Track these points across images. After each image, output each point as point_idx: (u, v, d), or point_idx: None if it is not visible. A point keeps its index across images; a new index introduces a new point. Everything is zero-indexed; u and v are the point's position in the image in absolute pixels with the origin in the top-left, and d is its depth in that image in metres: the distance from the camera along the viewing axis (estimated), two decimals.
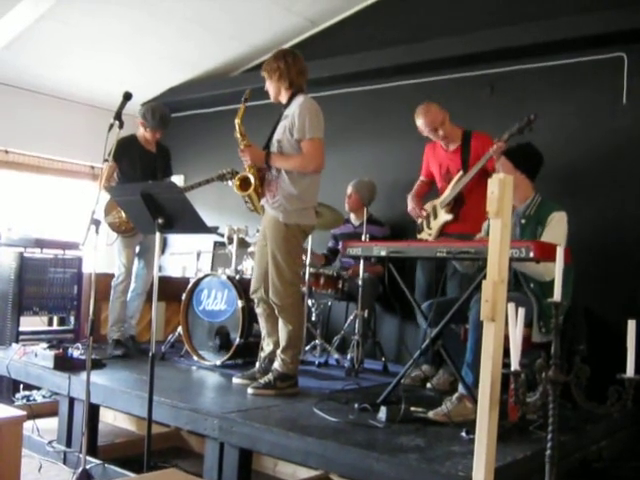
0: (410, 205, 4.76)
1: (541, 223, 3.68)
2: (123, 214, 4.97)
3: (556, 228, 3.63)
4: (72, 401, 4.29)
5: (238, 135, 4.10)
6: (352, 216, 5.75)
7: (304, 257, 4.82)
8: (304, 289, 4.89)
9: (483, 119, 5.02)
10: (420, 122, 4.67)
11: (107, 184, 4.98)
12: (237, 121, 4.12)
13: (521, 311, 2.20)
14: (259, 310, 4.22)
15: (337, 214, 5.28)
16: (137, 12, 5.81)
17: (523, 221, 3.76)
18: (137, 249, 5.32)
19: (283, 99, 4.12)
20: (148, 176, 5.07)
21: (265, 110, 4.38)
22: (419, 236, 4.73)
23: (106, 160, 3.80)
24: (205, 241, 6.31)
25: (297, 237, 4.05)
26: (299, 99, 4.02)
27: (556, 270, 2.21)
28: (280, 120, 4.10)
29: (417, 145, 5.14)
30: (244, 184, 4.10)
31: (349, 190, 5.60)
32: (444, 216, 4.54)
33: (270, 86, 4.13)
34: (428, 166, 4.88)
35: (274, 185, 4.04)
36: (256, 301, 4.23)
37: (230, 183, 4.96)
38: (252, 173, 4.08)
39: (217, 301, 4.94)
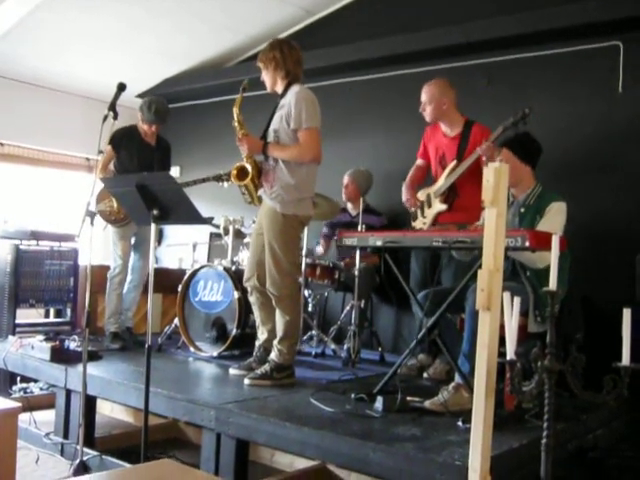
0: (404, 196, 4.74)
1: (540, 212, 3.67)
2: (115, 203, 4.96)
3: (553, 218, 3.62)
4: (69, 393, 4.29)
5: (236, 124, 4.10)
6: (349, 205, 5.74)
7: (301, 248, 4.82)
8: (301, 279, 4.88)
9: (480, 108, 5.00)
10: (422, 93, 4.65)
11: (103, 174, 4.97)
12: (235, 110, 4.11)
13: (517, 300, 2.20)
14: (252, 299, 4.22)
15: (334, 204, 5.27)
16: (132, 4, 5.79)
17: (522, 210, 3.76)
18: (132, 241, 5.32)
19: (279, 89, 4.11)
20: (145, 168, 5.03)
21: (261, 100, 4.37)
22: (413, 224, 4.72)
23: (101, 152, 3.78)
24: (201, 232, 6.31)
25: (295, 227, 4.05)
26: (295, 89, 4.01)
27: (552, 259, 2.21)
28: (276, 110, 4.09)
29: (414, 134, 5.12)
30: (241, 174, 4.09)
31: (346, 180, 5.60)
32: (438, 206, 4.52)
33: (266, 76, 4.12)
34: (425, 147, 4.84)
35: (271, 175, 4.03)
36: (249, 289, 4.22)
37: (226, 185, 4.97)
38: (249, 163, 4.07)
39: (213, 292, 4.94)
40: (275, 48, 4.07)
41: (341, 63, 6.04)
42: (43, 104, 7.08)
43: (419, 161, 4.89)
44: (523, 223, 3.70)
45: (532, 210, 3.71)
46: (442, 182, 4.54)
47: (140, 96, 7.10)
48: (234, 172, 4.12)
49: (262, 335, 4.23)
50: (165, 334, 5.35)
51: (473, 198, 4.20)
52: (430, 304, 3.66)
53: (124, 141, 5.10)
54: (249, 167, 4.06)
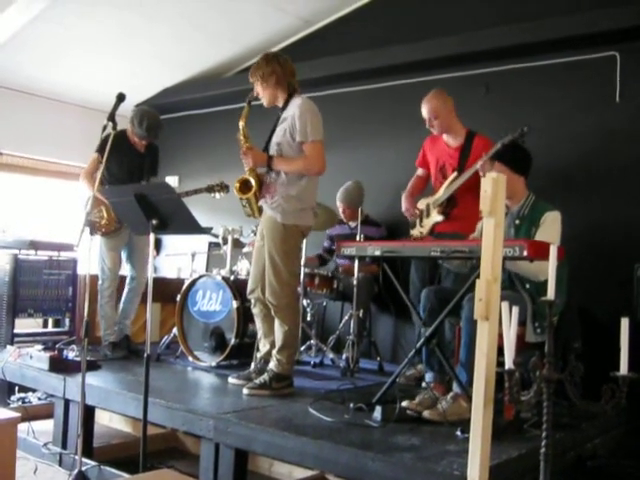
0: (404, 206, 4.76)
1: (535, 224, 3.67)
2: (105, 214, 4.94)
3: (550, 228, 3.62)
4: (67, 403, 4.28)
5: (241, 137, 4.09)
6: None
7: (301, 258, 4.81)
8: (299, 289, 4.88)
9: (478, 118, 5.02)
10: (422, 109, 4.66)
11: (89, 181, 4.94)
12: (241, 123, 4.10)
13: (515, 309, 2.20)
14: (256, 311, 4.21)
15: (331, 214, 5.28)
16: (131, 14, 5.81)
17: (517, 222, 3.76)
18: (124, 252, 5.27)
19: (279, 102, 4.10)
20: (134, 176, 5.02)
21: (260, 113, 4.38)
22: (411, 232, 4.73)
23: (100, 162, 3.79)
24: (200, 242, 6.31)
25: (295, 238, 4.06)
26: (297, 101, 4.00)
27: (549, 269, 2.22)
28: (278, 123, 4.08)
29: (412, 144, 5.14)
30: (244, 187, 4.09)
31: (340, 205, 5.55)
32: (435, 216, 4.53)
33: (265, 90, 4.07)
34: (425, 156, 4.84)
35: (273, 187, 4.03)
36: (253, 301, 4.22)
37: (218, 196, 4.97)
38: (253, 176, 4.06)
39: (212, 302, 4.94)
40: (272, 61, 4.04)
41: (339, 73, 6.06)
42: (41, 113, 7.10)
43: (419, 171, 4.90)
44: (519, 235, 3.69)
45: (527, 221, 3.71)
46: (441, 193, 4.54)
47: (139, 106, 7.11)
48: (237, 185, 4.10)
49: (264, 347, 4.22)
50: (164, 343, 5.35)
51: (469, 208, 4.22)
52: (430, 309, 3.68)
53: (113, 147, 4.97)
54: (253, 181, 4.05)
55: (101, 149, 4.72)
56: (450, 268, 4.02)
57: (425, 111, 4.60)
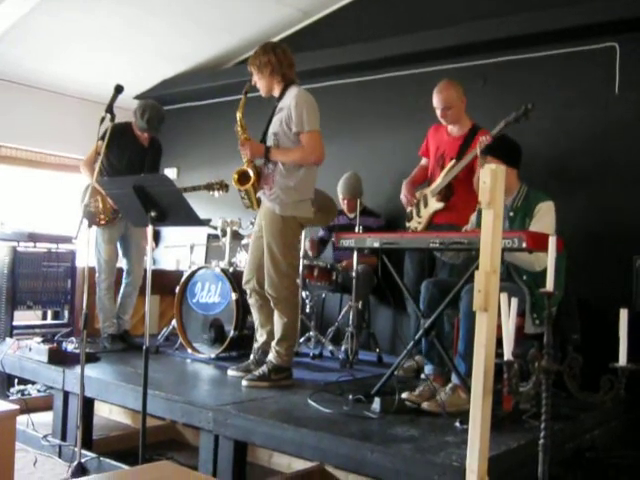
0: (403, 192, 4.74)
1: (528, 214, 3.65)
2: (101, 204, 4.92)
3: (544, 218, 3.61)
4: (67, 395, 4.29)
5: (239, 128, 4.09)
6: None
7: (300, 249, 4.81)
8: (298, 281, 4.88)
9: (476, 110, 5.00)
10: (435, 98, 4.61)
11: (88, 169, 4.92)
12: (239, 114, 4.10)
13: (514, 301, 2.20)
14: (251, 301, 4.22)
15: (334, 209, 5.26)
16: (129, 6, 5.78)
17: (511, 214, 3.75)
18: (119, 244, 5.24)
19: (276, 92, 4.10)
20: (134, 168, 5.00)
21: (257, 103, 4.37)
22: (408, 224, 4.72)
23: (98, 154, 3.78)
24: (199, 234, 6.31)
25: (293, 229, 4.05)
26: (293, 91, 4.00)
27: (548, 260, 2.21)
28: (274, 113, 4.08)
29: (409, 135, 5.15)
30: (243, 178, 4.09)
31: (342, 197, 5.54)
32: (435, 204, 4.52)
33: (261, 81, 4.09)
34: (428, 145, 4.83)
35: (271, 178, 4.03)
36: (248, 292, 4.22)
37: (217, 194, 4.96)
38: (251, 167, 4.06)
39: (211, 294, 4.93)
40: (269, 52, 4.04)
41: (337, 65, 6.04)
42: (40, 106, 7.07)
43: (423, 161, 4.89)
44: (513, 227, 3.68)
45: (521, 213, 3.70)
46: (439, 181, 4.54)
47: (138, 98, 7.10)
48: (235, 176, 4.10)
49: (261, 337, 4.23)
50: (163, 336, 5.35)
51: (467, 198, 4.21)
52: (429, 301, 3.68)
53: (116, 138, 4.79)
54: (251, 172, 4.05)
55: (104, 137, 4.70)
56: (444, 259, 4.02)
57: (438, 100, 4.55)
